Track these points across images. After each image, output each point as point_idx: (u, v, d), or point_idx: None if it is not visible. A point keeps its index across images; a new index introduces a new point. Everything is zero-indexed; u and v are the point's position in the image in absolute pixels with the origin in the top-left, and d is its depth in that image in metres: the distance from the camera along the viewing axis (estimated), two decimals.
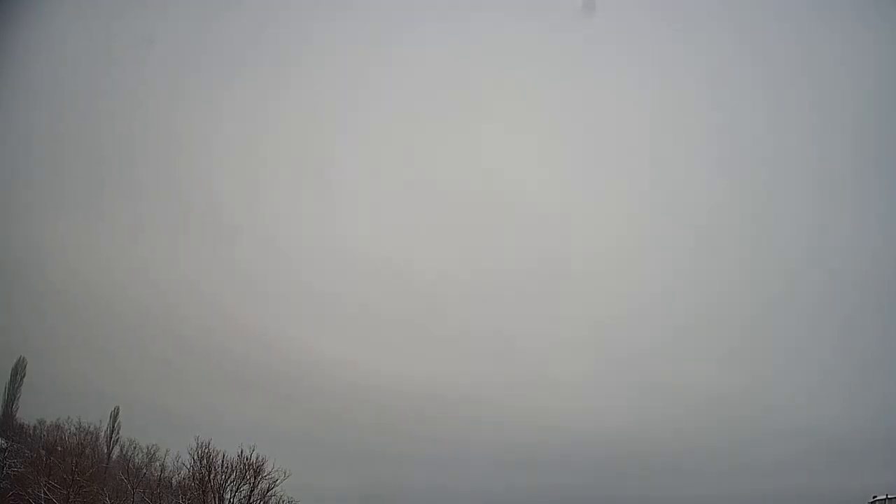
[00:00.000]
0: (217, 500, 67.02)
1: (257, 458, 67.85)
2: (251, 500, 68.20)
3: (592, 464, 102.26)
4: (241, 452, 67.81)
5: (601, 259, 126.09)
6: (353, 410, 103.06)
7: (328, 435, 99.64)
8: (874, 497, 79.11)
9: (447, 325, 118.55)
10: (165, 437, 76.03)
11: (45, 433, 78.89)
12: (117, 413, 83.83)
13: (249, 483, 68.08)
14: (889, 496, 77.38)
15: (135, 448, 77.05)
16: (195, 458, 67.51)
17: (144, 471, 72.14)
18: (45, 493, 61.10)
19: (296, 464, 71.89)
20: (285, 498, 70.55)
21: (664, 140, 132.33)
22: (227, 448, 68.05)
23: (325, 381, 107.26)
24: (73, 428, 73.76)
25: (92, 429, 75.43)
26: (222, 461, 67.79)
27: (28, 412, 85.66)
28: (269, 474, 68.04)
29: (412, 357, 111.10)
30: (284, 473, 68.05)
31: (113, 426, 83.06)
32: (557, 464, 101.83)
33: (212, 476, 67.05)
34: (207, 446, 67.36)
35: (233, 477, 67.95)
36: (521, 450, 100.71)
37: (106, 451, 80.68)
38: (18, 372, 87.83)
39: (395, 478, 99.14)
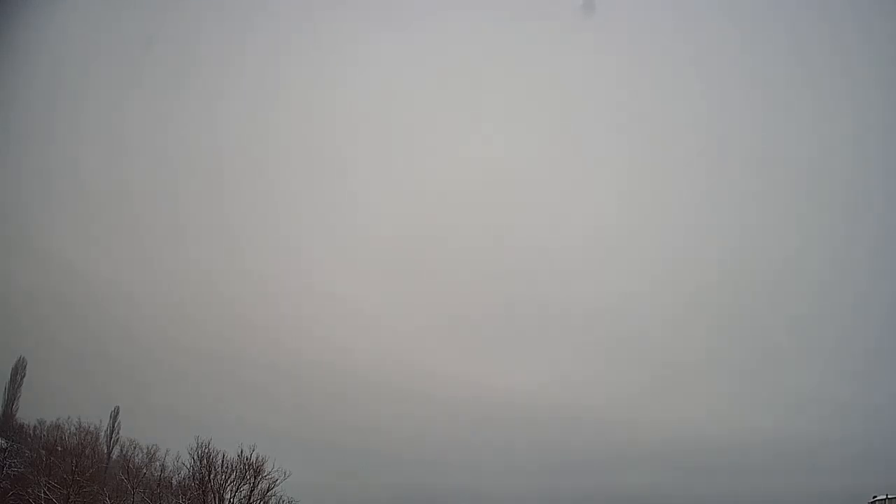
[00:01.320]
0: (217, 500, 66.89)
1: (257, 458, 67.86)
2: (251, 500, 68.12)
3: None
4: (241, 452, 67.88)
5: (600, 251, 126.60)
6: (361, 411, 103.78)
7: (330, 436, 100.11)
8: (874, 497, 79.12)
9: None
10: (165, 437, 76.22)
11: (45, 433, 78.83)
12: (117, 413, 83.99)
13: (249, 483, 68.01)
14: (889, 496, 77.39)
15: (135, 448, 77.01)
16: (195, 458, 67.49)
17: (144, 471, 71.95)
18: (45, 493, 60.96)
19: (300, 466, 72.29)
20: (285, 498, 70.77)
21: (663, 139, 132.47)
22: (227, 448, 68.19)
23: (329, 383, 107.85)
24: (73, 428, 73.64)
25: (92, 429, 75.28)
26: (222, 461, 67.72)
27: (28, 412, 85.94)
28: (269, 474, 68.07)
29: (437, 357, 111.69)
30: (284, 473, 68.15)
31: (113, 426, 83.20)
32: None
33: (212, 476, 66.96)
34: (207, 446, 67.35)
35: (233, 477, 67.89)
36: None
37: (106, 451, 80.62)
38: (18, 372, 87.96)
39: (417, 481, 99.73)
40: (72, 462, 63.81)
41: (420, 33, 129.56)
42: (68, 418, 75.04)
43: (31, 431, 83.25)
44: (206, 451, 67.16)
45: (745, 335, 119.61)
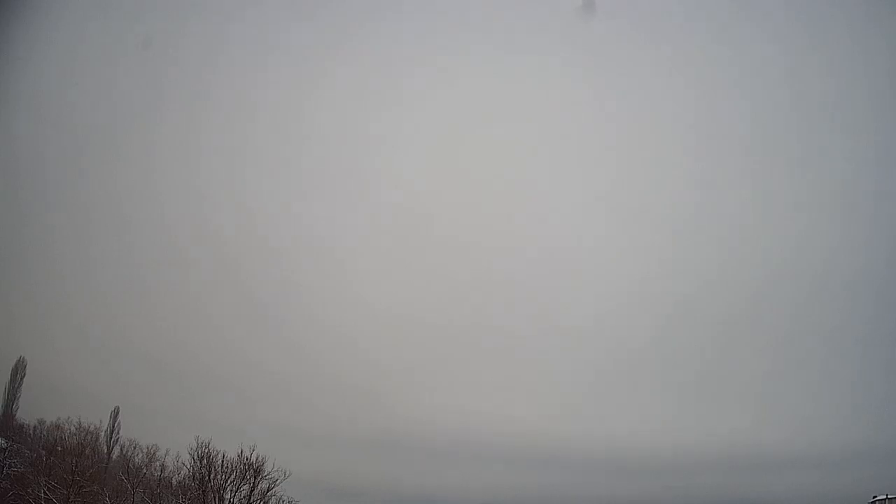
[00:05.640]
0: (217, 500, 66.95)
1: (257, 458, 68.00)
2: (251, 500, 68.16)
3: None
4: (241, 452, 68.01)
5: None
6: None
7: (331, 435, 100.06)
8: (874, 497, 79.20)
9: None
10: (165, 437, 76.18)
11: (45, 433, 78.88)
12: (117, 413, 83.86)
13: (249, 483, 68.09)
14: (889, 496, 77.47)
15: (135, 448, 76.75)
16: (195, 458, 67.66)
17: (144, 471, 71.86)
18: (45, 493, 61.01)
19: (300, 466, 72.30)
20: (285, 498, 70.81)
21: (661, 139, 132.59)
22: (227, 448, 68.26)
23: (330, 382, 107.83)
24: (73, 428, 73.56)
25: (92, 429, 75.25)
26: (222, 461, 67.85)
27: (28, 412, 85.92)
28: (269, 474, 68.18)
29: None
30: (284, 473, 68.22)
31: (113, 426, 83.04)
32: None
33: (212, 476, 67.02)
34: (207, 446, 67.55)
35: (233, 477, 67.97)
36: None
37: (106, 451, 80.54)
38: (18, 372, 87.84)
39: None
40: (72, 462, 63.82)
41: (417, 33, 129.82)
42: (68, 418, 75.08)
43: (31, 431, 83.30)
44: (206, 451, 67.45)
45: (745, 341, 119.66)
